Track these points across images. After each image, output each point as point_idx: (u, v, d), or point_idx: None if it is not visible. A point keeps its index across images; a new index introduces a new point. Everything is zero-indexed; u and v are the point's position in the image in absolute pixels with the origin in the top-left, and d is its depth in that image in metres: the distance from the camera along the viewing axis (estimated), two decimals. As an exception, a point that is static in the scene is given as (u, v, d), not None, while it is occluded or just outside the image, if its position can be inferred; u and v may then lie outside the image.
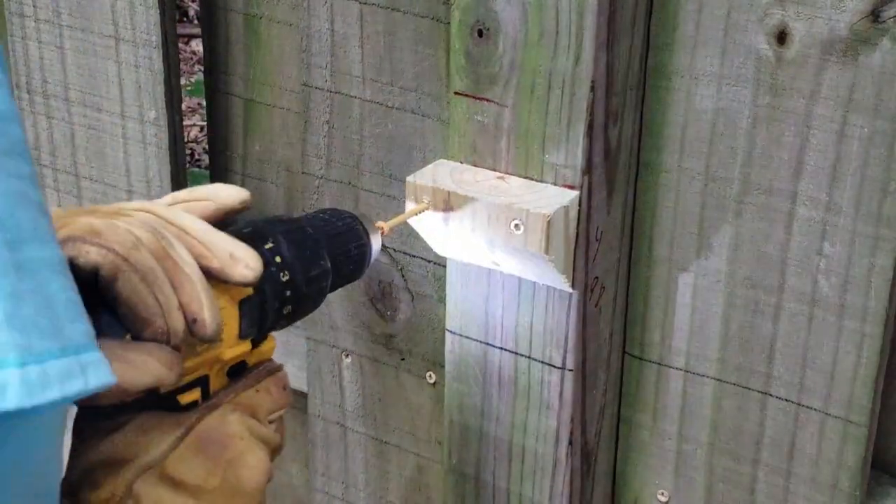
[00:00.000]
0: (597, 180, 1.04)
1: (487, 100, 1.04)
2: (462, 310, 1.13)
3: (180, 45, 3.73)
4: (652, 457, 1.19)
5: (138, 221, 0.78)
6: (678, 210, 1.09)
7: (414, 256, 1.23)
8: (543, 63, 1.01)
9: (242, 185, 1.45)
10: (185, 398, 0.82)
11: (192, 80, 3.76)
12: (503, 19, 1.01)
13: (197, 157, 3.51)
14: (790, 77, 1.00)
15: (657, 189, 1.10)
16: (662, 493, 1.19)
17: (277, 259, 0.86)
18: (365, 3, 1.16)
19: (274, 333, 0.89)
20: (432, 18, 1.13)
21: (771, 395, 1.10)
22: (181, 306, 0.76)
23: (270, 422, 0.86)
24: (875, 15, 0.95)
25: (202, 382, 0.83)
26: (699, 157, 1.07)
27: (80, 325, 0.56)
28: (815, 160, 1.02)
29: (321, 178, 1.25)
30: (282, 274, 0.86)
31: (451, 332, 1.15)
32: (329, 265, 0.91)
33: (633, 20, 1.03)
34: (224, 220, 0.88)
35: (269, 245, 0.87)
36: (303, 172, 1.26)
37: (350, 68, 1.19)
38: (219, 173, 1.47)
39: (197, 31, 3.67)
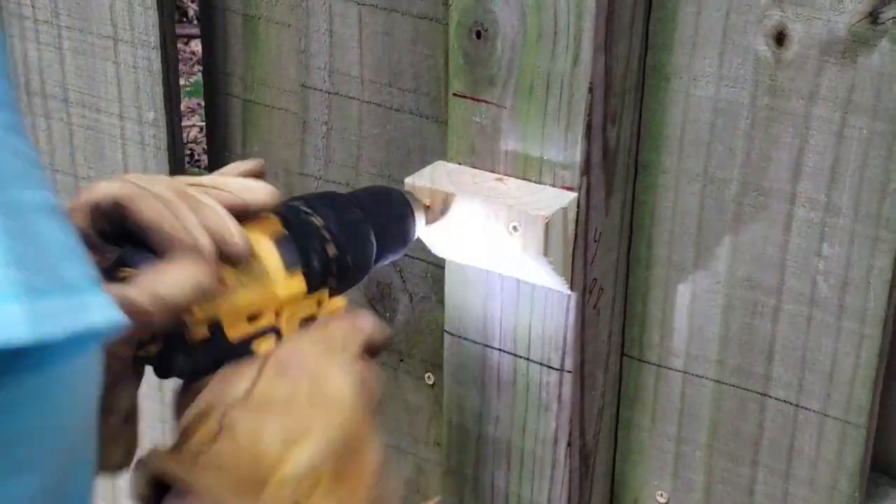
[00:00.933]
0: (595, 181, 1.04)
1: (486, 101, 1.04)
2: (461, 311, 1.13)
3: (180, 45, 3.73)
4: (651, 458, 1.19)
5: (155, 179, 0.81)
6: (677, 211, 1.09)
7: (412, 258, 1.22)
8: (542, 64, 1.00)
9: (241, 185, 1.45)
10: (260, 346, 0.84)
11: (192, 80, 3.76)
12: (501, 20, 1.01)
13: (196, 157, 3.51)
14: (789, 78, 1.00)
15: (656, 190, 1.10)
16: (661, 495, 1.19)
17: (306, 209, 0.90)
18: (363, 4, 1.16)
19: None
20: (431, 19, 1.13)
21: (770, 396, 1.10)
22: (206, 230, 0.79)
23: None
24: (874, 16, 0.95)
25: (275, 331, 0.85)
26: (698, 158, 1.07)
27: (79, 267, 0.53)
28: (813, 161, 1.02)
29: (320, 178, 1.25)
30: (315, 218, 0.89)
31: (449, 333, 1.15)
32: (369, 216, 0.94)
33: (631, 21, 1.02)
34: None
35: (296, 203, 0.90)
36: (301, 173, 1.26)
37: (349, 69, 1.19)
38: (217, 174, 1.47)
39: (196, 31, 3.66)
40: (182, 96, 3.47)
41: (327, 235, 0.90)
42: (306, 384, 0.81)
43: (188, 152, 3.54)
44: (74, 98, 1.42)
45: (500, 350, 1.12)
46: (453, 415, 1.17)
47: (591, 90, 1.00)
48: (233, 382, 0.81)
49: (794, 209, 1.04)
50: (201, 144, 3.51)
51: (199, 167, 3.38)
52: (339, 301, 0.91)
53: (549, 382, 1.10)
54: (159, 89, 1.35)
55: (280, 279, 0.85)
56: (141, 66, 1.35)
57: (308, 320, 0.88)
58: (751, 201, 1.05)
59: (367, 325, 0.89)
